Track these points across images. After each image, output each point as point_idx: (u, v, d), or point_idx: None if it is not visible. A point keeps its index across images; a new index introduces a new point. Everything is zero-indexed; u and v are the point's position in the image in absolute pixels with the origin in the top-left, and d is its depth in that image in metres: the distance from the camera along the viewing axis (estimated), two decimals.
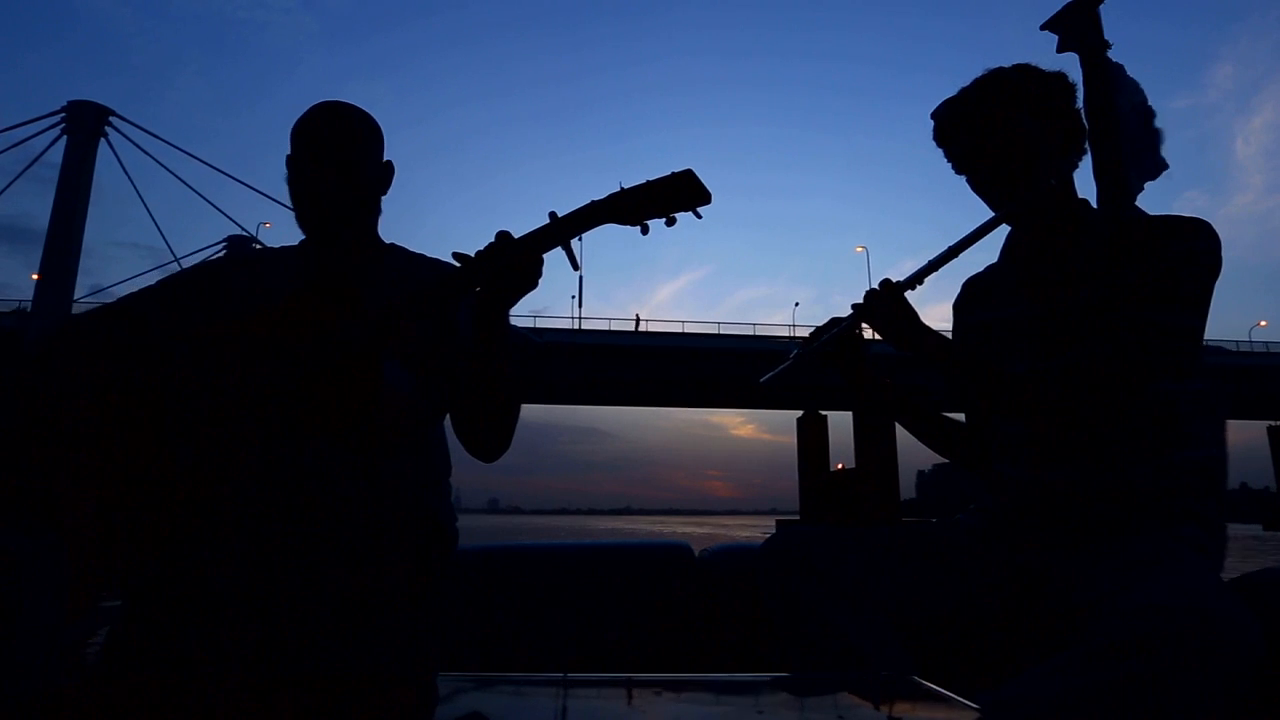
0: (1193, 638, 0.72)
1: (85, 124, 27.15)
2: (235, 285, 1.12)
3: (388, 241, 1.20)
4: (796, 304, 70.52)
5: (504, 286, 0.96)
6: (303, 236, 1.16)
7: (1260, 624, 0.74)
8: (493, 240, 0.95)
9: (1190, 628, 0.73)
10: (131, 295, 1.12)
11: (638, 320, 36.27)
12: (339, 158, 1.09)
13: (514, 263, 0.94)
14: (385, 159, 1.17)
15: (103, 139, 27.77)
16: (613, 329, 35.58)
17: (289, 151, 1.12)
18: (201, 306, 1.09)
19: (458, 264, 0.97)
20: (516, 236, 0.94)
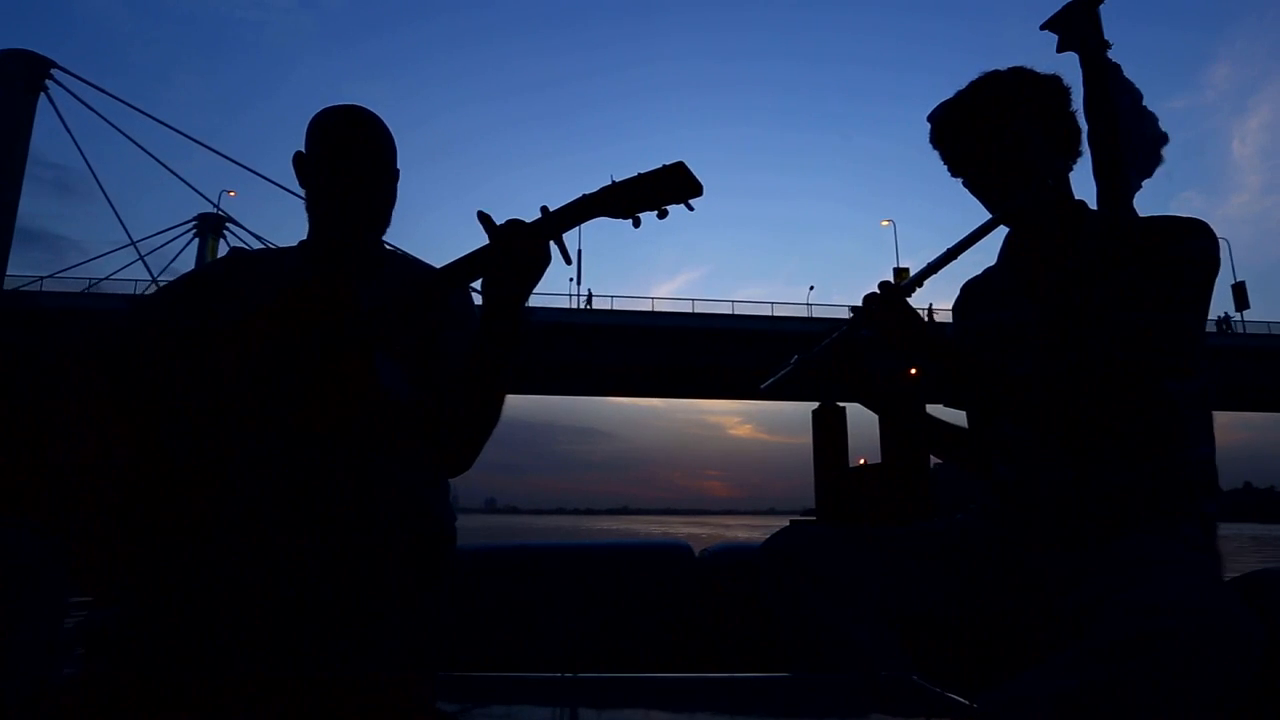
0: (1193, 637, 0.72)
1: (19, 76, 22.39)
2: (239, 286, 1.12)
3: (389, 246, 1.21)
4: (811, 287, 68.49)
5: (506, 273, 0.96)
6: (303, 237, 1.17)
7: (1260, 624, 0.74)
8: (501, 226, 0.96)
9: (1191, 627, 0.73)
10: (140, 299, 1.13)
11: (590, 297, 31.64)
12: (375, 161, 1.11)
13: (513, 248, 0.94)
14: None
15: (44, 95, 23.43)
16: (615, 308, 31.15)
17: (306, 150, 1.12)
18: (206, 308, 1.09)
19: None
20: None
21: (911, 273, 1.13)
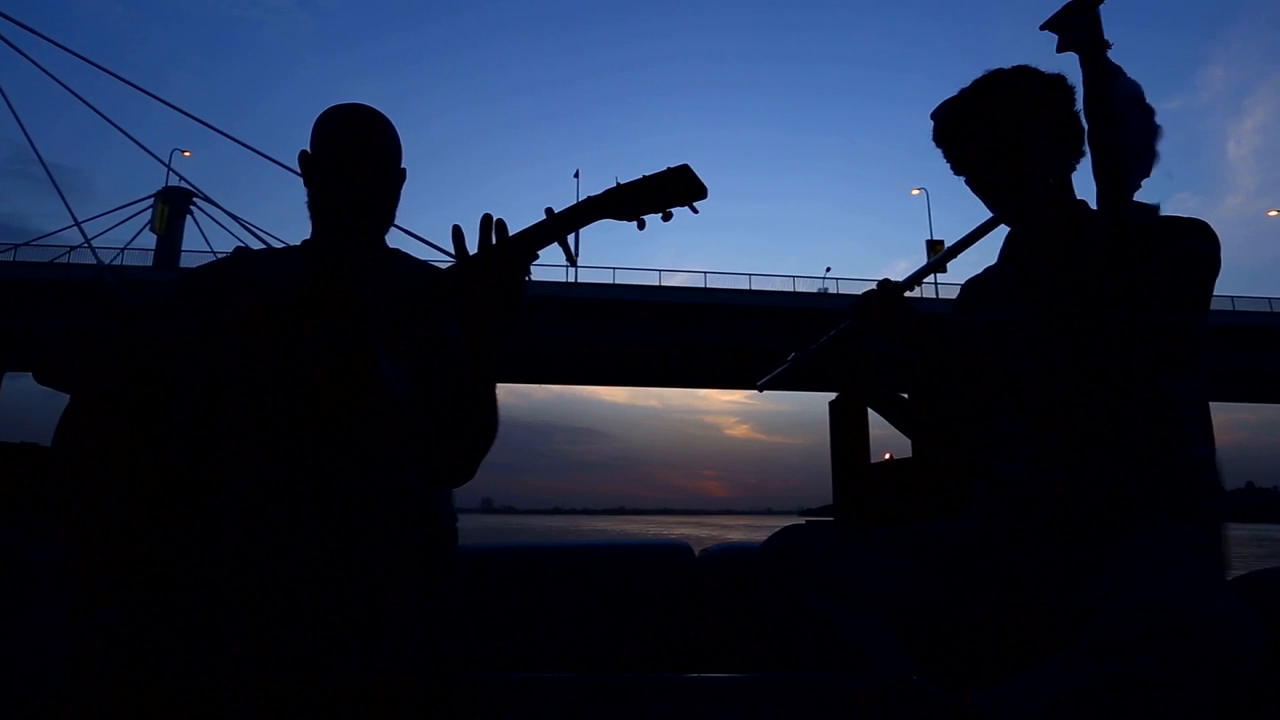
0: (1193, 637, 0.72)
1: None
2: (242, 285, 1.12)
3: (391, 247, 1.21)
4: (828, 269, 66.70)
5: (473, 305, 0.95)
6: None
7: (1261, 624, 0.74)
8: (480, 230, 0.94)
9: (1190, 627, 0.73)
10: (139, 298, 1.13)
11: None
12: (377, 160, 1.11)
13: (478, 282, 0.93)
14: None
15: None
16: (618, 282, 26.22)
17: (310, 149, 1.12)
18: (209, 307, 1.09)
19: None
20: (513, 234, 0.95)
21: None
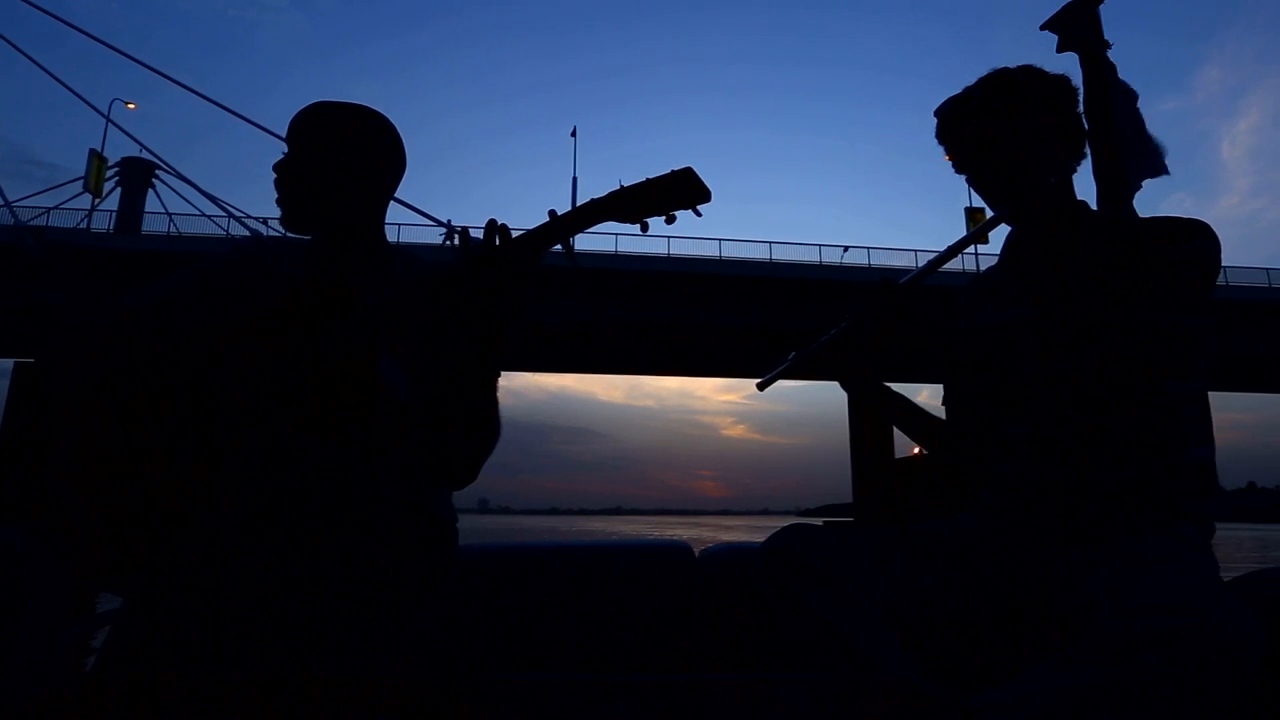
0: (1192, 637, 0.72)
1: None
2: (242, 283, 1.12)
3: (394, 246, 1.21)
4: (846, 249, 64.24)
5: (488, 284, 0.95)
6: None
7: (1260, 624, 0.74)
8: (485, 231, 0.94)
9: (1190, 627, 0.73)
10: (138, 294, 1.13)
11: (449, 228, 19.57)
12: (292, 151, 1.12)
13: (500, 259, 0.93)
14: (371, 154, 1.16)
15: None
16: (620, 252, 22.72)
17: None
18: (209, 305, 1.10)
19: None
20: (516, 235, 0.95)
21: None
